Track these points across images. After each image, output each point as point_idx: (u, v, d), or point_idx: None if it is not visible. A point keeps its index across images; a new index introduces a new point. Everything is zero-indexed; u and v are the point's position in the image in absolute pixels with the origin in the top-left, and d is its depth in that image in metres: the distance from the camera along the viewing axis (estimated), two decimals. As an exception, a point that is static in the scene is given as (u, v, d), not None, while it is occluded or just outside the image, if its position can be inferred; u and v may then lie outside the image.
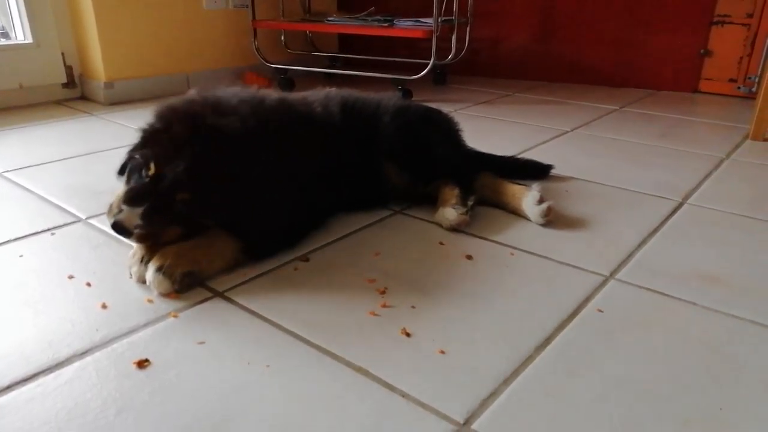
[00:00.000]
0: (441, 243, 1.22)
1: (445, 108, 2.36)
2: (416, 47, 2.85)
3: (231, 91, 1.17)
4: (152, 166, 1.02)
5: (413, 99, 2.50)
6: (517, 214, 1.34)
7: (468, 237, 1.25)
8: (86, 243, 1.20)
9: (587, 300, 1.01)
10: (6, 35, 2.50)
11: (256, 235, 1.11)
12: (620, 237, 1.25)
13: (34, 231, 1.25)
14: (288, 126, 1.17)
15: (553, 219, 1.29)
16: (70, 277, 1.06)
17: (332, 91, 1.43)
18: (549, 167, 1.62)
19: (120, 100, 2.48)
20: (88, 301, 0.99)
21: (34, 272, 1.08)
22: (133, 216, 1.00)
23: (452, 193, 1.30)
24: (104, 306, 0.97)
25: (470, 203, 1.29)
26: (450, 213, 1.26)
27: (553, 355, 0.86)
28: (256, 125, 1.09)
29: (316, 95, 1.40)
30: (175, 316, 0.95)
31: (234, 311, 0.97)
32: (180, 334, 0.90)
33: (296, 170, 1.15)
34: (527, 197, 1.31)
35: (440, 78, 2.94)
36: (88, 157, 1.77)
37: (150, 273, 1.00)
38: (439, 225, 1.29)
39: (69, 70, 2.52)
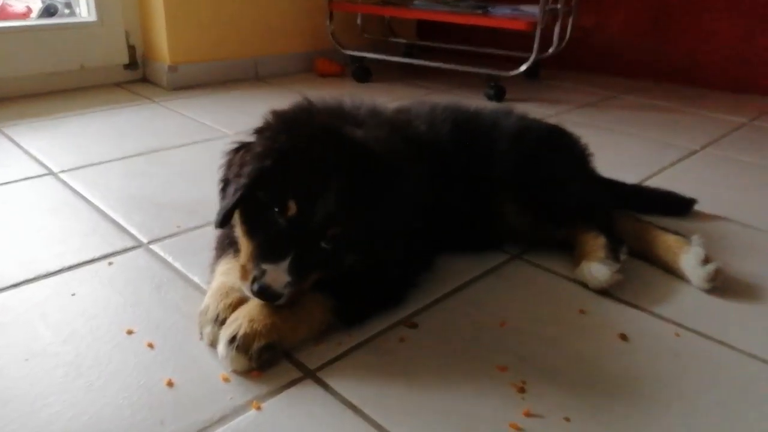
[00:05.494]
0: (581, 311, 0.96)
1: (543, 111, 2.07)
2: (505, 36, 2.55)
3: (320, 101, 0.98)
4: (292, 205, 0.81)
5: (506, 97, 2.22)
6: (670, 271, 1.07)
7: (615, 303, 0.99)
8: (148, 280, 1.01)
9: (805, 425, 0.74)
10: (71, 12, 2.34)
11: (356, 288, 0.89)
12: (815, 316, 0.97)
13: (89, 258, 1.07)
14: (409, 146, 0.97)
15: (720, 285, 1.02)
16: (129, 332, 0.87)
17: (438, 104, 1.18)
18: (691, 202, 1.33)
19: (183, 85, 2.29)
20: (151, 373, 0.79)
21: (88, 321, 0.89)
22: (279, 273, 0.80)
23: (597, 243, 1.04)
24: (170, 383, 0.77)
25: (622, 257, 1.03)
26: (600, 271, 1.00)
27: None
28: (397, 142, 0.93)
29: (419, 108, 1.16)
30: (258, 408, 0.74)
31: (328, 402, 0.76)
32: (266, 440, 0.69)
33: (415, 200, 0.93)
34: (688, 254, 1.03)
35: (532, 72, 2.61)
36: (149, 157, 1.59)
37: (222, 346, 0.79)
38: (582, 283, 1.03)
39: (131, 50, 2.34)
